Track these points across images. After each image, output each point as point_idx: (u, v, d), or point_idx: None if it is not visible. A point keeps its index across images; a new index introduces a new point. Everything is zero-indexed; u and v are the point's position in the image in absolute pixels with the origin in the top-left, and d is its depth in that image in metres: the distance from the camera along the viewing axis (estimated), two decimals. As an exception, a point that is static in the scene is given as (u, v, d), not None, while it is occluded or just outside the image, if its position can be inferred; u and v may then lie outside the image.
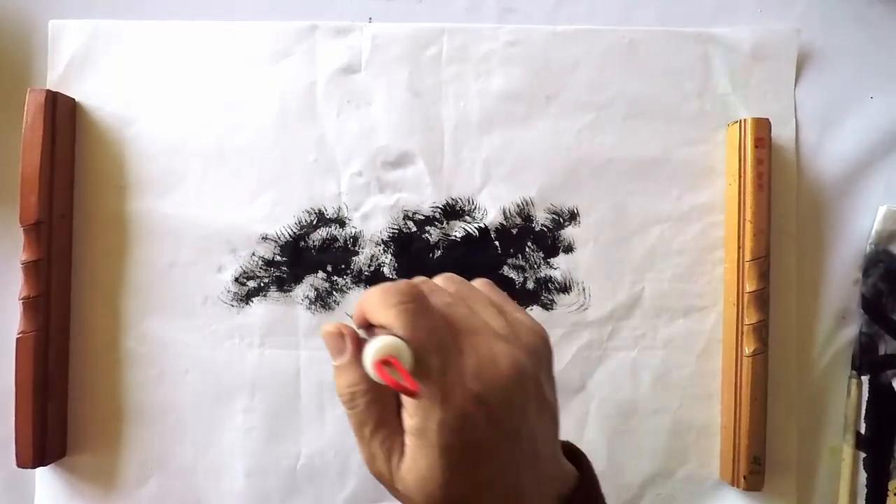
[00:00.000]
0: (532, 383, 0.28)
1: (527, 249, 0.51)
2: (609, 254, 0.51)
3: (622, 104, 0.51)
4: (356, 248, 0.51)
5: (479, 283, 0.34)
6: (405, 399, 0.27)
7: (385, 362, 0.25)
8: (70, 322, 0.50)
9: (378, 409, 0.28)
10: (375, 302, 0.28)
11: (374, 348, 0.26)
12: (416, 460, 0.27)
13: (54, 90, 0.49)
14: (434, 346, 0.27)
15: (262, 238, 0.51)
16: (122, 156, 0.51)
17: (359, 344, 0.29)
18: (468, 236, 0.51)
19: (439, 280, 0.32)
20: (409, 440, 0.27)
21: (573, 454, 0.32)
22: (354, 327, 0.30)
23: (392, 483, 0.28)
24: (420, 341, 0.26)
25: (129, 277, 0.50)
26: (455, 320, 0.29)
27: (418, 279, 0.31)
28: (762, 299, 0.47)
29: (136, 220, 0.51)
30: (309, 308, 0.50)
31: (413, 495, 0.27)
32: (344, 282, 0.51)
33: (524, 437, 0.28)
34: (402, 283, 0.28)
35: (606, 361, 0.51)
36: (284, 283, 0.50)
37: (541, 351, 0.30)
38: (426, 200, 0.51)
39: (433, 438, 0.26)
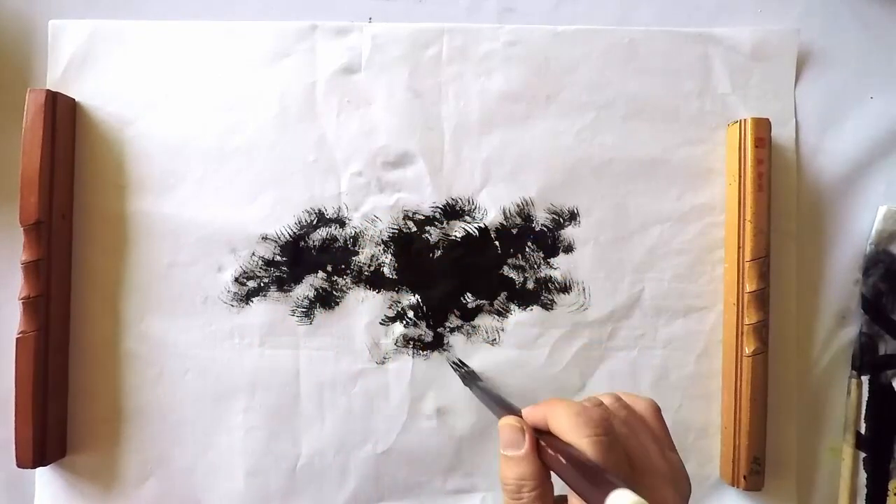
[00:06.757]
0: None
1: (527, 249, 0.51)
2: (609, 254, 0.51)
3: (622, 104, 0.51)
4: (356, 248, 0.51)
5: (644, 408, 0.35)
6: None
7: None
8: (70, 322, 0.50)
9: (541, 502, 0.31)
10: (568, 423, 0.30)
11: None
12: None
13: (54, 90, 0.49)
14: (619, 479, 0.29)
15: (262, 238, 0.51)
16: (122, 156, 0.51)
17: (534, 440, 0.31)
18: (468, 236, 0.51)
19: (607, 401, 0.34)
20: None
21: None
22: (523, 416, 0.33)
23: None
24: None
25: (129, 277, 0.50)
26: (631, 454, 0.31)
27: (596, 401, 0.33)
28: (762, 299, 0.47)
29: (136, 220, 0.51)
30: (308, 310, 0.50)
31: None
32: (344, 282, 0.51)
33: None
34: (594, 411, 0.30)
35: (606, 361, 0.51)
36: (284, 283, 0.50)
37: (688, 497, 0.33)
38: (426, 200, 0.51)
39: None
